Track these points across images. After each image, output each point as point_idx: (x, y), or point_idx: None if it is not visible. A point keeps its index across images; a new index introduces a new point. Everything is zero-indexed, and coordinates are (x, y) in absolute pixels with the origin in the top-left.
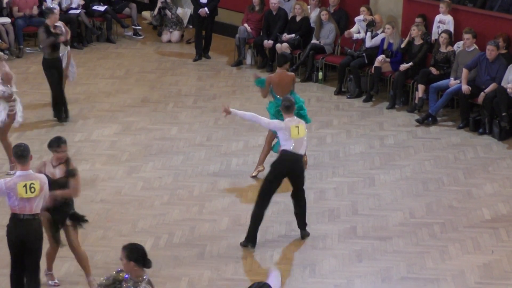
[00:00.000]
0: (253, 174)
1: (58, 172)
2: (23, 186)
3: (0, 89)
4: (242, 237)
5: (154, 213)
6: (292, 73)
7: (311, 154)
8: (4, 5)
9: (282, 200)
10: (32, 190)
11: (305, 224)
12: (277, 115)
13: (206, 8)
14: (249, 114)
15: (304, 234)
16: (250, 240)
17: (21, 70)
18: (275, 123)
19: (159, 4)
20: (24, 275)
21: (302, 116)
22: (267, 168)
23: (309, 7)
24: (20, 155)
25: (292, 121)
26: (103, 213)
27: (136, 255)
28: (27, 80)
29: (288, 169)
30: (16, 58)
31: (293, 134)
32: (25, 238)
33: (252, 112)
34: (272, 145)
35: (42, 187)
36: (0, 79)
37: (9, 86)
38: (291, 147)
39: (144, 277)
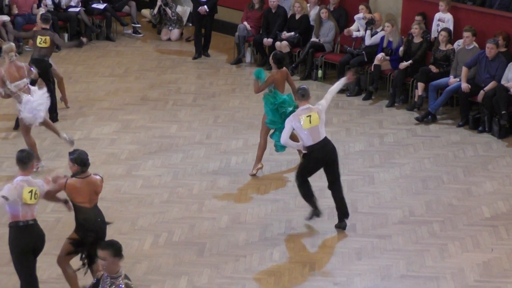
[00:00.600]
0: (253, 172)
1: None
2: (29, 192)
3: None
4: (242, 235)
5: (154, 211)
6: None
7: None
8: (7, 2)
9: (281, 198)
10: (35, 196)
11: (345, 216)
12: (274, 112)
13: (205, 6)
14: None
15: (340, 226)
16: (315, 213)
17: None
18: (288, 127)
19: (159, 2)
20: None
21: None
22: (266, 165)
23: (308, 5)
24: (21, 160)
25: (304, 110)
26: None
27: (120, 250)
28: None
29: (322, 159)
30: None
31: (305, 124)
32: (37, 242)
33: (251, 109)
34: (269, 136)
35: (41, 194)
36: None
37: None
38: (311, 141)
39: (121, 270)
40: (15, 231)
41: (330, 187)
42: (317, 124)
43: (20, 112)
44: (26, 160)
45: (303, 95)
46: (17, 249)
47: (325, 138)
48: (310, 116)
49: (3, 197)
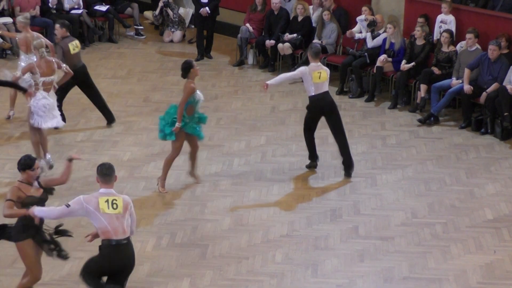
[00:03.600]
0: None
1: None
2: (105, 201)
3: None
4: (245, 237)
5: (156, 213)
6: (190, 86)
7: None
8: (5, 6)
9: (284, 200)
10: (114, 206)
11: (349, 167)
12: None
13: (207, 8)
14: (279, 77)
15: (346, 174)
16: (313, 159)
17: None
18: (301, 69)
19: (160, 4)
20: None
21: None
22: (268, 167)
23: (311, 7)
24: (105, 173)
25: (316, 67)
26: None
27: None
28: None
29: (321, 108)
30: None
31: (315, 78)
32: (127, 263)
33: (253, 111)
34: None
35: (126, 206)
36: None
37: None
38: (313, 92)
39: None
40: (106, 250)
41: (334, 136)
42: (325, 80)
43: (32, 108)
44: (110, 171)
45: (316, 53)
46: (104, 267)
47: (327, 91)
48: (320, 73)
49: (67, 205)
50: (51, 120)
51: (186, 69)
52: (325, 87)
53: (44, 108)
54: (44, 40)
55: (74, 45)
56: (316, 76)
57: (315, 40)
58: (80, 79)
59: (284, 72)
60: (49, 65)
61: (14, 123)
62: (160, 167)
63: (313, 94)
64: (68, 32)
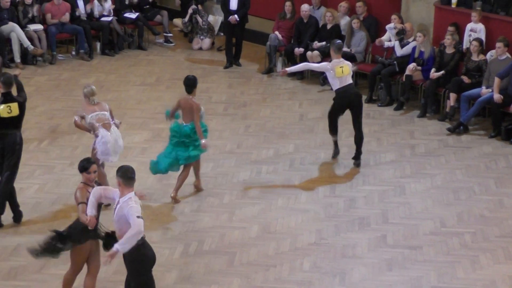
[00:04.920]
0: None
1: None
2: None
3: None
4: (272, 245)
5: (184, 220)
6: (196, 103)
7: (341, 162)
8: (35, 13)
9: (312, 208)
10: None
11: (357, 156)
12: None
13: (236, 16)
14: (300, 65)
15: (355, 163)
16: (334, 132)
17: (53, 76)
18: (323, 64)
19: (190, 11)
20: None
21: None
22: (297, 175)
23: (338, 14)
24: (130, 177)
25: (338, 62)
26: None
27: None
28: (59, 86)
29: (347, 100)
30: (49, 65)
31: (338, 73)
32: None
33: (282, 119)
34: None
35: None
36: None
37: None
38: (338, 85)
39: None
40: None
41: (353, 124)
42: (347, 73)
43: (96, 145)
44: (133, 175)
45: (339, 48)
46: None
47: (351, 83)
48: (342, 67)
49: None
50: (112, 156)
51: (193, 86)
52: (349, 80)
53: (106, 148)
54: (94, 88)
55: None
56: (339, 71)
57: (345, 48)
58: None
59: (312, 80)
60: (101, 106)
61: (43, 130)
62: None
63: (338, 87)
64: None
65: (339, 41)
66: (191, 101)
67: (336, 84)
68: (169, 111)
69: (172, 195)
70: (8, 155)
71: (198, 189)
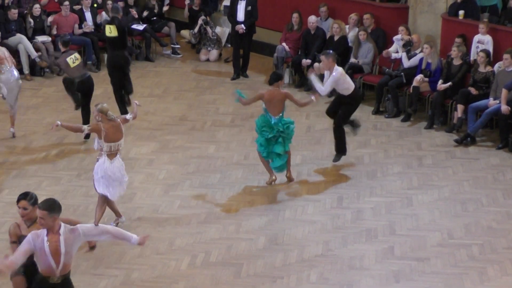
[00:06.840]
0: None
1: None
2: None
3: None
4: (279, 256)
5: (191, 231)
6: (285, 91)
7: (348, 174)
8: (48, 23)
9: (318, 219)
10: None
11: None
12: (261, 130)
13: (242, 25)
14: (318, 86)
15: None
16: (341, 152)
17: (61, 87)
18: (332, 81)
19: (200, 21)
20: None
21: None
22: (304, 187)
23: (347, 26)
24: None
25: (341, 69)
26: (140, 231)
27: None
28: (67, 98)
29: (362, 96)
30: (56, 76)
31: (347, 76)
32: None
33: None
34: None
35: None
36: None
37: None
38: (353, 84)
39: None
40: None
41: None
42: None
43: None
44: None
45: (337, 58)
46: None
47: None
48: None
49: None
50: (107, 188)
51: (277, 79)
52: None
53: (102, 174)
54: (106, 105)
55: (73, 59)
56: (344, 73)
57: (352, 60)
58: (85, 89)
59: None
60: (117, 129)
61: (50, 141)
62: (196, 185)
63: (354, 86)
64: (66, 47)
65: (330, 51)
66: (277, 91)
67: (351, 84)
68: (240, 92)
69: (287, 175)
70: None
71: (289, 179)
